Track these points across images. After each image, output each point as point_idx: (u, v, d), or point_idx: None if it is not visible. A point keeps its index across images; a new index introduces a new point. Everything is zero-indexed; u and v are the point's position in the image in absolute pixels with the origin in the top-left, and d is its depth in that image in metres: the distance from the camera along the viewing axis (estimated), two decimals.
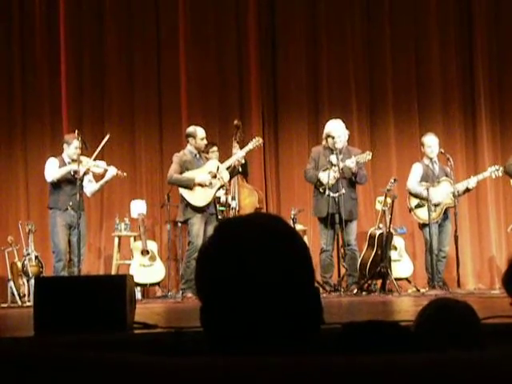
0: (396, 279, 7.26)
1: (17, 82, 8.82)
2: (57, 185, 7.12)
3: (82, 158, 7.02)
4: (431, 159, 7.54)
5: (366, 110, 9.09)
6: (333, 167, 7.13)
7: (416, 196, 7.48)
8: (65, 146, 7.22)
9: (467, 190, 7.52)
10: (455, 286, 7.36)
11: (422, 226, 7.49)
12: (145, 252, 7.85)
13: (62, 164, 7.16)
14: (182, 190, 7.22)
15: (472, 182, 7.51)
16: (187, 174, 7.22)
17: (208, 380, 0.89)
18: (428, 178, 7.46)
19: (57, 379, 0.88)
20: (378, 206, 7.69)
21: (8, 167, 8.72)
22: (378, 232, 7.49)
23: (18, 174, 8.72)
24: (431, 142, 7.52)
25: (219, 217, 7.22)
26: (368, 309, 5.37)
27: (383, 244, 7.36)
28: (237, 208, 7.52)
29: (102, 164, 7.22)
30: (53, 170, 7.13)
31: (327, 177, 7.12)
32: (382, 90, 9.11)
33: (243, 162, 7.57)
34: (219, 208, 7.38)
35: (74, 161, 7.05)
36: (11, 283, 7.38)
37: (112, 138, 7.62)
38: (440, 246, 7.44)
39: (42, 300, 3.44)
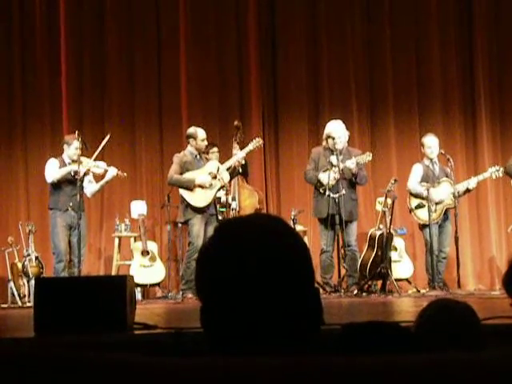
0: (396, 280, 7.25)
1: (17, 82, 8.81)
2: (57, 185, 7.12)
3: (82, 159, 7.02)
4: (431, 160, 7.53)
5: (366, 110, 9.07)
6: (333, 168, 7.12)
7: (417, 196, 7.47)
8: (65, 146, 7.21)
9: (467, 190, 7.52)
10: (455, 286, 7.35)
11: (422, 226, 7.49)
12: (145, 253, 7.85)
13: (63, 165, 7.16)
14: (182, 191, 7.22)
15: (472, 183, 7.50)
16: (187, 175, 7.21)
17: (208, 380, 0.89)
18: (428, 178, 7.45)
19: (57, 380, 0.88)
20: (378, 207, 7.68)
21: (8, 167, 8.71)
22: (378, 233, 7.49)
23: (18, 174, 8.71)
24: (431, 143, 7.52)
25: (219, 217, 7.22)
26: (368, 309, 5.38)
27: (383, 245, 7.36)
28: (237, 209, 7.53)
29: (103, 164, 7.21)
30: (53, 171, 7.13)
31: (327, 177, 7.12)
32: (383, 90, 9.10)
33: (243, 162, 7.57)
34: (219, 209, 7.38)
35: (74, 161, 7.05)
36: (11, 284, 7.38)
37: (112, 138, 7.61)
38: (440, 246, 7.44)
39: (42, 301, 3.44)
